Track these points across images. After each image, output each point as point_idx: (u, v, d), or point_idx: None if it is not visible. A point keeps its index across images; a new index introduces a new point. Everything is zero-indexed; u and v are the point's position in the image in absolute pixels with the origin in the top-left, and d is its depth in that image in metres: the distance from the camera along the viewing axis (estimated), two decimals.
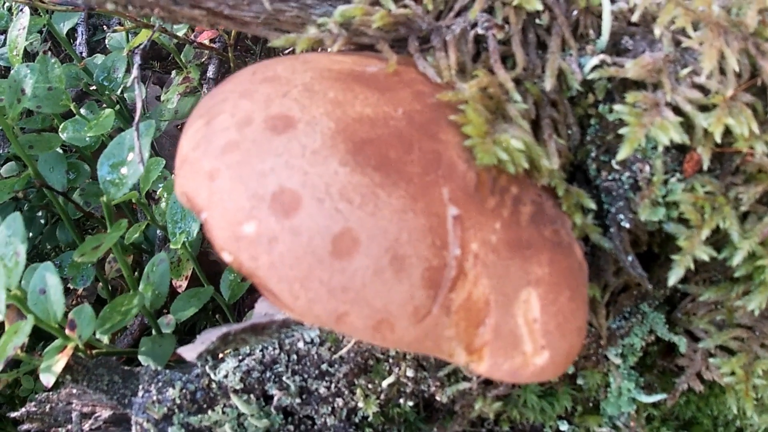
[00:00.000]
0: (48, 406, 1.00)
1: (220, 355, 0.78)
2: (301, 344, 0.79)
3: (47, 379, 0.86)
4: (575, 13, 0.71)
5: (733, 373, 0.80)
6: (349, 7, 0.67)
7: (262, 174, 0.53)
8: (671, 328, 0.83)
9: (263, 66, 0.63)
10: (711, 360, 0.81)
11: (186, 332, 1.51)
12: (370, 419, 0.85)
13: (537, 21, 0.71)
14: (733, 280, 0.77)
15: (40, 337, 1.19)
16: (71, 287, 1.33)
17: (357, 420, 0.85)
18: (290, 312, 0.51)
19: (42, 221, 1.38)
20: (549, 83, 0.69)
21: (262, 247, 0.51)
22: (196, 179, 0.55)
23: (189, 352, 0.69)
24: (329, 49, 0.68)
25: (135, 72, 0.79)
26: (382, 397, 0.83)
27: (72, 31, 1.62)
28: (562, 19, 0.70)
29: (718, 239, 0.74)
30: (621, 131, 0.68)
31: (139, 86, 0.79)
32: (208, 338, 0.69)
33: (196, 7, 0.66)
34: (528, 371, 0.58)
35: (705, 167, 0.71)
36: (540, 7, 0.68)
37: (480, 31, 0.67)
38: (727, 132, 0.69)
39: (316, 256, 0.50)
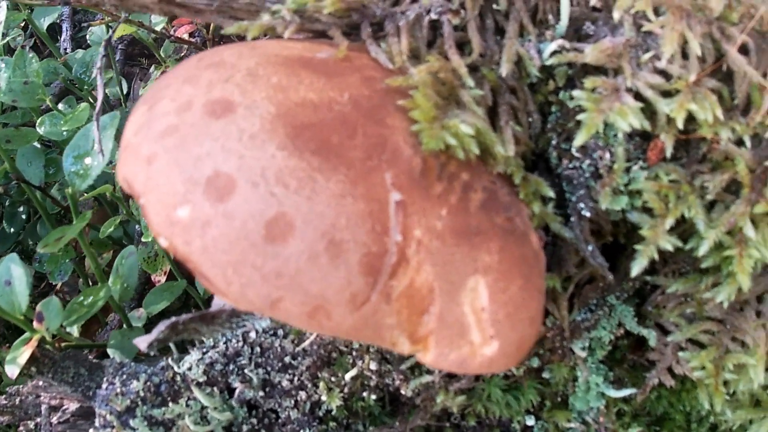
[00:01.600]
0: (18, 399, 1.00)
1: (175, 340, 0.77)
2: (253, 334, 0.78)
3: (11, 371, 0.86)
4: None
5: (703, 367, 0.78)
6: None
7: (198, 158, 0.52)
8: (641, 321, 0.81)
9: (211, 52, 0.62)
10: (681, 354, 0.80)
11: None
12: (333, 413, 0.84)
13: (495, 6, 0.69)
14: (702, 271, 0.75)
15: (14, 331, 1.19)
16: (52, 283, 1.33)
17: (321, 413, 0.84)
18: (224, 298, 0.50)
19: (23, 217, 1.38)
20: (505, 68, 0.67)
21: (196, 232, 0.50)
22: (135, 164, 0.54)
23: (142, 342, 0.68)
24: (282, 36, 0.67)
25: (98, 62, 0.78)
26: (346, 390, 0.82)
27: (58, 27, 1.62)
28: (520, 4, 0.69)
29: (685, 230, 0.72)
30: (579, 117, 0.67)
31: (101, 78, 0.78)
32: (161, 327, 0.69)
33: None
34: (476, 362, 0.57)
35: (669, 155, 0.69)
36: None
37: (434, 16, 0.66)
38: (691, 118, 0.68)
39: (250, 240, 0.49)
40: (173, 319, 0.65)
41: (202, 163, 0.52)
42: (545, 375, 0.81)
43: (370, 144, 0.56)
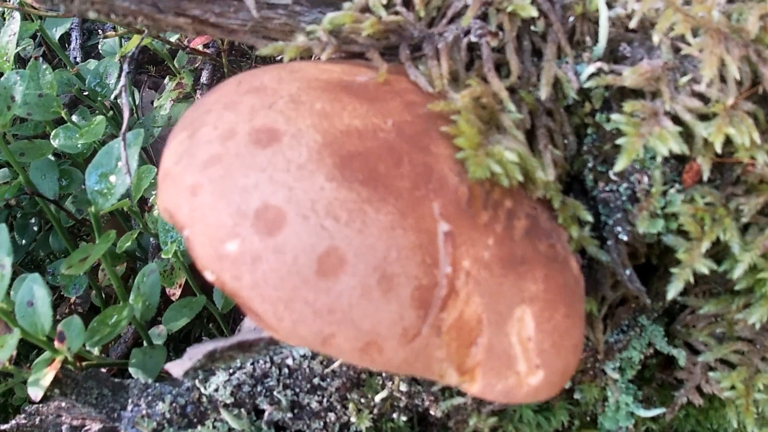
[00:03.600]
0: (38, 419, 0.98)
1: (212, 367, 0.76)
2: (290, 361, 0.77)
3: (35, 393, 0.85)
4: (571, 19, 0.69)
5: (733, 387, 0.78)
6: (339, 14, 0.65)
7: (246, 189, 0.51)
8: (670, 341, 0.81)
9: (249, 75, 0.61)
10: (711, 374, 0.80)
11: (181, 340, 1.50)
12: None
13: (532, 28, 0.69)
14: (734, 292, 0.75)
15: (33, 347, 1.17)
16: (65, 295, 1.32)
17: None
18: (274, 333, 0.50)
19: (35, 228, 1.36)
20: (545, 92, 0.67)
21: (245, 267, 0.49)
22: (177, 194, 0.53)
23: (176, 368, 0.67)
24: (318, 58, 0.66)
25: (123, 80, 0.77)
26: (375, 411, 0.82)
27: (67, 36, 1.60)
28: (557, 25, 0.68)
29: (719, 251, 0.72)
30: (618, 141, 0.66)
31: (126, 96, 0.77)
32: (195, 354, 0.68)
33: (181, 15, 0.64)
34: (522, 391, 0.56)
35: (705, 178, 0.69)
36: (535, 13, 0.67)
37: (473, 38, 0.65)
38: (728, 142, 0.68)
39: (301, 275, 0.49)
40: (210, 347, 0.65)
41: (250, 195, 0.51)
42: (576, 395, 0.81)
43: (416, 173, 0.55)
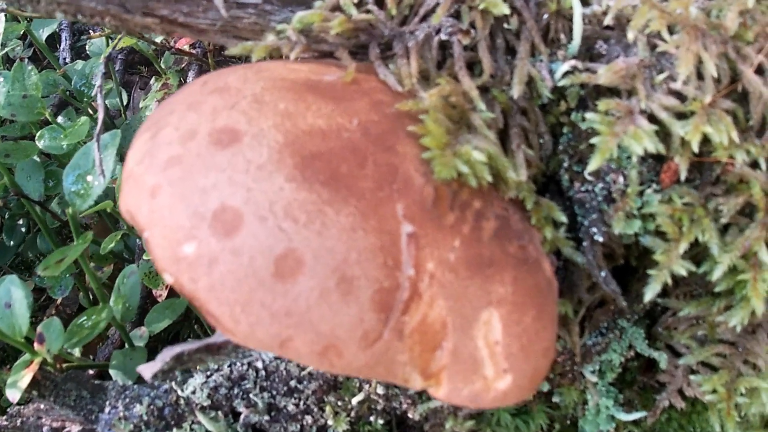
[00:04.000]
0: (19, 420, 0.98)
1: (180, 370, 0.75)
2: (260, 363, 0.76)
3: (13, 395, 0.85)
4: (546, 17, 0.68)
5: (715, 391, 0.77)
6: (308, 13, 0.65)
7: (204, 191, 0.50)
8: (651, 343, 0.80)
9: (215, 75, 0.61)
10: (692, 377, 0.78)
11: (169, 341, 1.49)
12: None
13: (505, 26, 0.68)
14: (715, 294, 0.74)
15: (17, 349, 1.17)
16: (53, 297, 1.31)
17: None
18: (232, 337, 0.49)
19: (23, 230, 1.36)
20: (517, 90, 0.66)
21: (202, 269, 0.48)
22: (138, 195, 0.53)
23: (147, 370, 0.67)
24: (287, 57, 0.65)
25: (99, 80, 0.76)
26: (353, 414, 0.81)
27: (57, 36, 1.60)
28: (531, 23, 0.67)
29: (698, 252, 0.71)
30: (593, 141, 0.65)
31: (101, 97, 0.76)
32: (166, 356, 0.67)
33: (148, 15, 0.63)
34: (489, 396, 0.55)
35: (683, 178, 0.67)
36: (508, 11, 0.66)
37: (444, 36, 0.65)
38: (706, 140, 0.66)
39: (258, 278, 0.48)
40: (178, 349, 0.64)
41: (208, 197, 0.50)
42: (555, 399, 0.80)
43: (380, 173, 0.54)
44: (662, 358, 0.79)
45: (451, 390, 0.54)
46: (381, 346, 0.50)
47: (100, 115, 0.76)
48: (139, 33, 1.09)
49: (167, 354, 0.65)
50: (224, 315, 0.48)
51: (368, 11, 0.66)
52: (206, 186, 0.51)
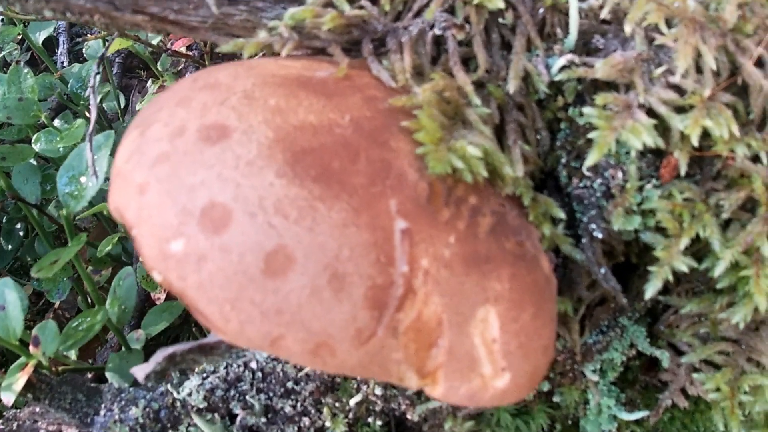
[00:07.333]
0: (15, 424, 0.97)
1: (173, 371, 0.75)
2: (255, 365, 0.75)
3: (7, 398, 0.84)
4: (541, 11, 0.68)
5: (718, 389, 0.76)
6: (300, 9, 0.64)
7: (192, 188, 0.49)
8: (653, 342, 0.78)
9: (206, 72, 0.60)
10: (695, 375, 0.77)
11: (170, 343, 1.49)
12: None
13: (500, 20, 0.67)
14: (717, 291, 0.73)
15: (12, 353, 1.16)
16: (51, 300, 1.31)
17: None
18: (222, 335, 0.48)
19: (21, 233, 1.35)
20: (513, 85, 0.65)
21: (191, 267, 0.47)
22: (126, 193, 0.52)
23: (140, 371, 0.66)
24: (280, 54, 0.65)
25: (91, 81, 0.76)
26: (351, 416, 0.80)
27: (55, 40, 1.60)
28: (527, 17, 0.67)
29: (699, 248, 0.70)
30: (590, 136, 0.64)
31: (94, 98, 0.76)
32: (159, 357, 0.66)
33: (138, 12, 0.63)
34: (487, 395, 0.54)
35: (683, 172, 0.66)
36: (502, 5, 0.65)
37: (438, 31, 0.64)
38: (706, 134, 0.65)
39: (248, 275, 0.47)
40: (170, 350, 0.63)
41: (196, 193, 0.49)
42: (556, 398, 0.79)
43: (373, 169, 0.53)
44: (664, 357, 0.78)
45: (448, 389, 0.53)
46: (375, 344, 0.49)
47: (93, 115, 0.75)
48: (133, 34, 1.09)
49: (160, 355, 0.64)
50: (214, 313, 0.47)
51: (361, 7, 0.66)
52: (195, 182, 0.50)
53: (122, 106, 1.38)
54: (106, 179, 0.99)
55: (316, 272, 0.48)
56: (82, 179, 0.86)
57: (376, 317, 0.49)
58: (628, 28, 0.65)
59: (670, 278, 0.67)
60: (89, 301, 1.34)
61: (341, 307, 0.48)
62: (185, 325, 1.44)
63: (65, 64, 1.47)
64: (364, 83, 0.61)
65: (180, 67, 1.29)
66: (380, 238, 0.51)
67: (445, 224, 0.54)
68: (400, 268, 0.51)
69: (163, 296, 1.21)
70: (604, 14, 0.66)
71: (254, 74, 0.58)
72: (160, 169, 0.51)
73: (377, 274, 0.50)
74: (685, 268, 0.67)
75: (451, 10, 0.66)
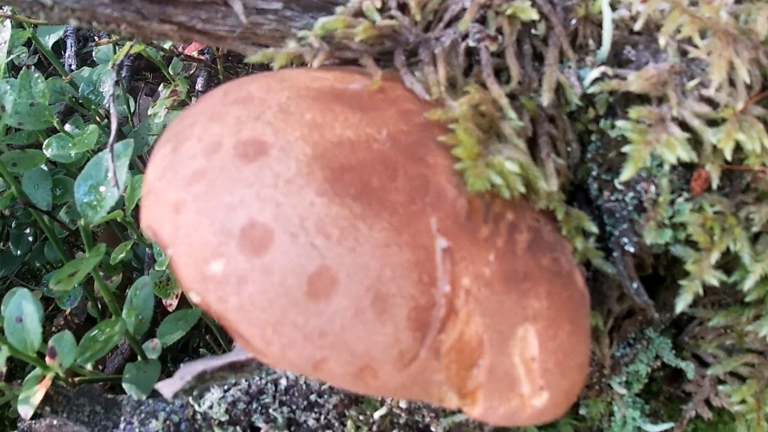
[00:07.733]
0: None
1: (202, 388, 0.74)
2: (284, 381, 0.74)
3: (25, 412, 0.83)
4: (574, 22, 0.67)
5: (743, 401, 0.75)
6: (331, 19, 0.63)
7: (231, 206, 0.48)
8: (678, 353, 0.78)
9: (236, 85, 0.59)
10: (720, 387, 0.77)
11: (179, 350, 1.47)
12: None
13: (533, 31, 0.66)
14: (744, 303, 0.72)
15: (24, 362, 1.15)
16: (60, 307, 1.29)
17: None
18: (263, 358, 0.47)
19: (30, 239, 1.34)
20: (546, 98, 0.64)
21: (231, 288, 0.47)
22: (160, 212, 0.51)
23: (166, 388, 0.65)
24: (310, 65, 0.64)
25: (111, 89, 0.75)
26: (375, 429, 0.79)
27: (62, 43, 1.58)
28: (559, 28, 0.66)
29: (728, 261, 0.69)
30: (624, 149, 0.64)
31: (114, 106, 0.75)
32: (186, 374, 0.65)
33: (166, 22, 0.61)
34: (526, 414, 0.54)
35: (714, 186, 0.66)
36: (536, 16, 0.64)
37: (471, 43, 0.63)
38: (738, 148, 0.65)
39: (290, 297, 0.46)
40: (200, 367, 0.62)
41: (235, 213, 0.48)
42: (582, 411, 0.78)
43: (412, 186, 0.53)
44: (689, 368, 0.77)
45: (487, 408, 0.52)
46: (417, 366, 0.49)
47: (113, 125, 0.74)
48: (153, 41, 1.07)
49: (186, 371, 0.63)
50: (255, 336, 0.46)
51: (392, 17, 0.65)
52: (233, 201, 0.49)
53: (132, 110, 1.37)
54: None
55: (359, 294, 0.47)
56: (102, 189, 0.85)
57: (419, 339, 0.49)
58: (662, 41, 0.65)
59: (701, 291, 0.66)
60: (99, 307, 1.33)
61: (384, 329, 0.47)
62: (195, 330, 1.43)
63: (73, 67, 1.45)
64: (397, 95, 0.60)
65: (192, 71, 1.28)
66: (422, 258, 0.50)
67: (484, 242, 0.54)
68: (442, 288, 0.50)
69: (174, 302, 1.20)
70: (638, 26, 0.66)
71: (287, 87, 0.57)
72: (196, 186, 0.50)
73: (420, 294, 0.49)
74: (715, 282, 0.66)
75: (482, 21, 0.65)
